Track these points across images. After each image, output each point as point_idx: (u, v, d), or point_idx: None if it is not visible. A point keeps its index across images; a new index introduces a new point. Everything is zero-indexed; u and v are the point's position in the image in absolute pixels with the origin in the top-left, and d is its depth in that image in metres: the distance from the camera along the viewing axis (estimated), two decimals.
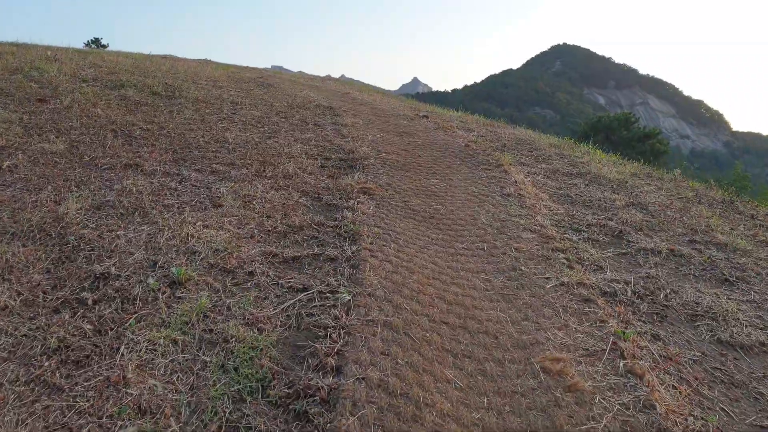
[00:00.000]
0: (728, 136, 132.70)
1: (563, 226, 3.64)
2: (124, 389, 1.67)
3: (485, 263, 2.92)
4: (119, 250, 2.52)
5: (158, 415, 1.60)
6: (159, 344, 1.90)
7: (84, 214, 2.84)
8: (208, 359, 1.86)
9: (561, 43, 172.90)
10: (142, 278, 2.30)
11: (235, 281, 2.40)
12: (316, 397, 1.70)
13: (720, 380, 2.09)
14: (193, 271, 2.39)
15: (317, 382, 1.74)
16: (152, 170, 3.64)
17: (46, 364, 1.76)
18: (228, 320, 2.08)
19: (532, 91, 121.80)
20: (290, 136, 5.25)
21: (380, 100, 9.56)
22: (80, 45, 20.41)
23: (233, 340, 1.95)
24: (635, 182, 5.14)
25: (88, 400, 1.63)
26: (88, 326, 1.96)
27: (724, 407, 1.92)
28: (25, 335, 1.89)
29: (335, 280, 2.46)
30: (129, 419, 1.57)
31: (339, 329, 2.06)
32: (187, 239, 2.69)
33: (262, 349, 1.93)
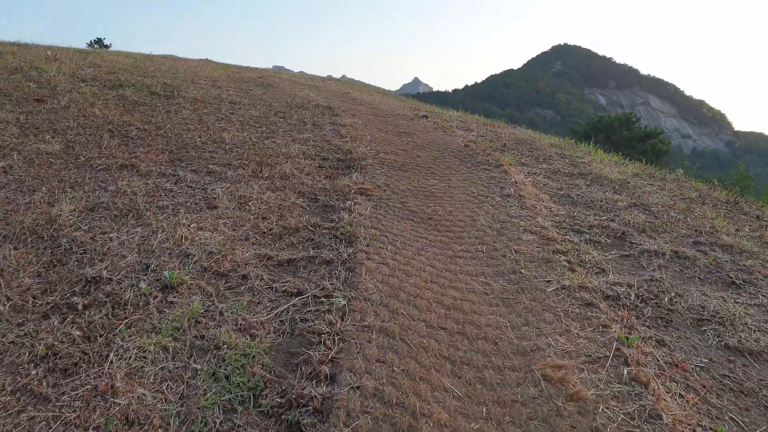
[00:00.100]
0: (730, 136, 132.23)
1: (564, 228, 3.57)
2: (111, 399, 1.63)
3: (484, 266, 2.86)
4: (111, 253, 2.47)
5: (146, 426, 1.55)
6: (149, 351, 1.85)
7: (77, 216, 2.79)
8: (198, 367, 1.81)
9: (562, 44, 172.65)
10: (133, 282, 2.26)
11: (229, 285, 2.35)
12: (309, 407, 1.64)
13: (729, 388, 2.03)
14: (186, 275, 2.34)
15: (310, 391, 1.69)
16: (148, 171, 3.59)
17: (33, 372, 1.72)
18: (220, 326, 2.03)
19: (532, 91, 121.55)
20: (288, 136, 5.20)
21: (380, 100, 9.51)
22: (83, 45, 20.40)
23: (225, 346, 1.90)
24: (637, 182, 5.08)
25: (74, 411, 1.58)
26: (77, 332, 1.91)
27: (734, 416, 1.86)
28: (12, 342, 1.84)
29: (330, 284, 2.41)
30: (116, 431, 1.52)
31: (333, 335, 2.01)
32: (181, 242, 2.64)
33: (254, 357, 1.87)
